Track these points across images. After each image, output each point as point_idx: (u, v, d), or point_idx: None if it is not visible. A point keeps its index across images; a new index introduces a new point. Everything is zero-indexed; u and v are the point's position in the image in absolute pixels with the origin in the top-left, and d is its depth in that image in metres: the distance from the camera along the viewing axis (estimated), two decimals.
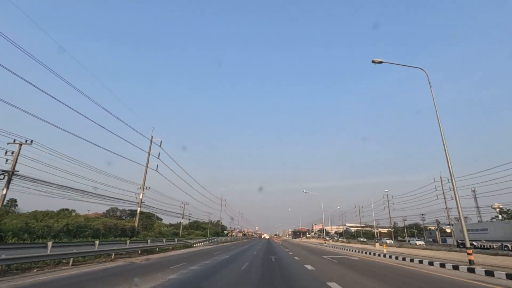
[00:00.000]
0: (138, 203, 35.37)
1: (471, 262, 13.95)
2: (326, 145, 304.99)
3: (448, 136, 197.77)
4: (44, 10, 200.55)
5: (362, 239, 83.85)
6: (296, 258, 21.49)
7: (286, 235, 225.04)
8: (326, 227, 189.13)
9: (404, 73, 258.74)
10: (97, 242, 18.63)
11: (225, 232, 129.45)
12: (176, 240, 37.28)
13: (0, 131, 17.89)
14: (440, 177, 54.50)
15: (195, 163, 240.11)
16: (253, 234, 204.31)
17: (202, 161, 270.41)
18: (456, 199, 16.09)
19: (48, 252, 14.29)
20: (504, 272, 11.05)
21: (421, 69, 17.73)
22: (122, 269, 13.76)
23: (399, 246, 38.65)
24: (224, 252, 26.78)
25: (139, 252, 23.81)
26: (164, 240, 33.94)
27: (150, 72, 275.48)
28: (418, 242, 48.13)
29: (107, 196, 32.68)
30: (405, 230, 77.61)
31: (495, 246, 33.58)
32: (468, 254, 14.34)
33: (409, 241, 58.51)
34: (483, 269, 12.22)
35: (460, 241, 38.38)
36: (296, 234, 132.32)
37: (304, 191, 73.93)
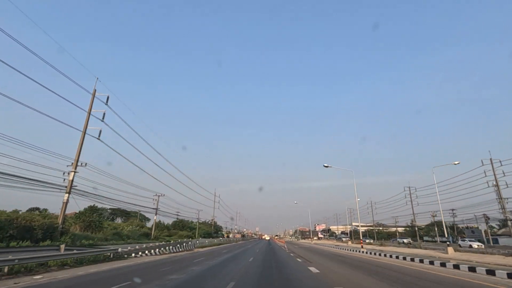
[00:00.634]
0: (66, 187, 22.50)
1: None
2: (326, 145, 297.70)
3: (447, 136, 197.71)
4: (44, 10, 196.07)
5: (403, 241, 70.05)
6: None
7: (287, 236, 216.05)
8: (331, 227, 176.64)
9: (405, 73, 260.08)
10: None
11: (221, 233, 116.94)
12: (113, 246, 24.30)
13: None
14: (491, 159, 41.56)
15: (195, 163, 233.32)
16: (253, 235, 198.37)
17: (202, 161, 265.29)
18: None
19: None
20: None
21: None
22: None
23: (457, 251, 25.95)
24: (167, 274, 11.96)
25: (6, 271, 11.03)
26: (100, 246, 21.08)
27: (150, 72, 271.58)
28: (474, 244, 35.10)
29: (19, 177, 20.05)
30: (436, 229, 64.47)
31: None
32: None
33: (457, 242, 43.91)
34: None
35: None
36: (305, 234, 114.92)
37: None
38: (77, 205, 29.65)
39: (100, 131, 24.30)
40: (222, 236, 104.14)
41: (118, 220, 69.45)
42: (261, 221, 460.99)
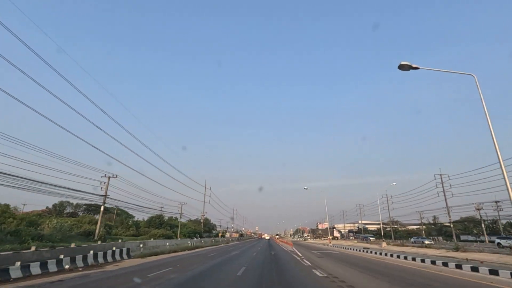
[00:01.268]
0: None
1: None
2: (326, 144, 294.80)
3: (447, 135, 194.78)
4: (43, 9, 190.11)
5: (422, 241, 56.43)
6: None
7: (287, 235, 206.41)
8: (337, 226, 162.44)
9: (405, 73, 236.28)
10: None
11: (215, 232, 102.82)
12: None
13: None
14: None
15: (195, 163, 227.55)
16: (252, 234, 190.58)
17: (202, 161, 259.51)
18: None
19: None
20: None
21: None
22: None
23: None
24: None
25: None
26: None
27: (150, 72, 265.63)
28: None
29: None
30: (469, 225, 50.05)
31: None
32: None
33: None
34: None
35: None
36: (316, 233, 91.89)
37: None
38: None
39: None
40: (217, 235, 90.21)
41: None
42: (261, 221, 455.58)
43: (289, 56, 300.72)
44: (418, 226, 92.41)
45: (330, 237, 57.02)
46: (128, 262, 17.14)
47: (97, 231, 26.88)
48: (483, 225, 49.99)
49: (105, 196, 27.89)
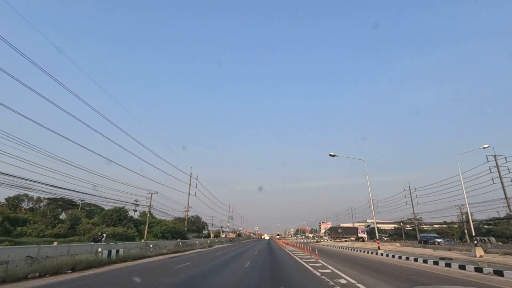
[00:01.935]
0: None
1: None
2: (326, 144, 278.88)
3: (445, 135, 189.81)
4: (43, 9, 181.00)
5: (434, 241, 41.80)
6: None
7: (288, 235, 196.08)
8: (343, 225, 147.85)
9: (404, 72, 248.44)
10: None
11: (207, 231, 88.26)
12: None
13: None
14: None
15: (195, 163, 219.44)
16: (252, 234, 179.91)
17: (202, 161, 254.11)
18: None
19: None
20: None
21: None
22: None
23: None
24: None
25: None
26: None
27: (149, 72, 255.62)
28: None
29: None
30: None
31: None
32: None
33: None
34: None
35: None
36: (335, 232, 68.25)
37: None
38: None
39: None
40: (207, 236, 75.74)
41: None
42: (261, 221, 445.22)
43: (289, 56, 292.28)
44: (441, 225, 78.40)
45: (352, 238, 43.16)
46: None
47: None
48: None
49: None
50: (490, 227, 58.11)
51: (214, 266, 14.53)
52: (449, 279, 10.00)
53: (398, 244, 36.84)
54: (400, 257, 18.66)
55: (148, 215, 37.95)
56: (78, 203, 52.60)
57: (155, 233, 39.73)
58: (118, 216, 36.16)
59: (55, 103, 18.76)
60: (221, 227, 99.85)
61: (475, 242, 20.87)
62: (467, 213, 62.62)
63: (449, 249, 27.56)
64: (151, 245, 26.54)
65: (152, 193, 39.31)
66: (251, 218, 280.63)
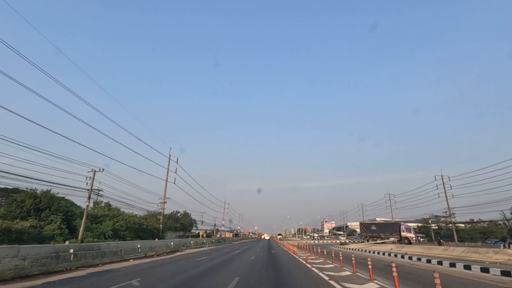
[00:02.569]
0: None
1: None
2: (326, 144, 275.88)
3: (445, 134, 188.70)
4: (43, 9, 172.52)
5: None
6: None
7: (289, 235, 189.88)
8: (350, 224, 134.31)
9: (403, 71, 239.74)
10: None
11: (195, 231, 74.63)
12: None
13: None
14: None
15: (195, 162, 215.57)
16: (251, 234, 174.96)
17: (202, 161, 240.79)
18: None
19: None
20: None
21: None
22: None
23: None
24: None
25: None
26: None
27: (148, 71, 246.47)
28: None
29: None
30: None
31: None
32: None
33: None
34: None
35: None
36: (370, 229, 47.10)
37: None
38: None
39: None
40: (196, 236, 62.30)
41: None
42: (261, 221, 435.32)
43: (288, 54, 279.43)
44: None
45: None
46: None
47: None
48: None
49: None
50: None
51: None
52: None
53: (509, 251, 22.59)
54: None
55: (87, 203, 24.45)
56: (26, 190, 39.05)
57: (101, 231, 26.30)
58: (36, 204, 22.75)
59: None
60: (214, 225, 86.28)
61: None
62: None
63: None
64: (71, 251, 13.55)
65: (95, 171, 25.68)
66: (251, 218, 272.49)
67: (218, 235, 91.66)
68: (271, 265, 14.22)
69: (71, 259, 14.52)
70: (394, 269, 7.53)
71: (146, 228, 37.39)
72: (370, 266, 9.83)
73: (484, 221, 56.47)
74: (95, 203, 38.05)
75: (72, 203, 30.68)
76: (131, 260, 18.36)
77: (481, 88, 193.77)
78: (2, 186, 24.66)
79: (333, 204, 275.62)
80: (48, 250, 13.98)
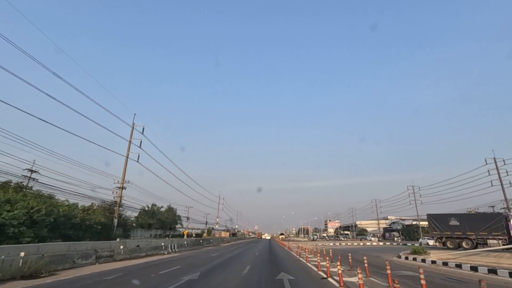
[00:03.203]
0: None
1: None
2: (326, 144, 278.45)
3: (444, 134, 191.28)
4: (43, 8, 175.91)
5: None
6: None
7: (291, 235, 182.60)
8: (360, 222, 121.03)
9: (404, 71, 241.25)
10: None
11: (179, 229, 61.59)
12: None
13: None
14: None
15: (195, 162, 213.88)
16: (250, 233, 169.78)
17: (202, 161, 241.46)
18: None
19: None
20: None
21: None
22: None
23: None
24: None
25: None
26: None
27: (148, 71, 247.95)
28: None
29: None
30: None
31: None
32: None
33: None
34: None
35: None
36: (447, 225, 28.48)
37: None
38: None
39: None
40: (178, 236, 49.60)
41: None
42: (261, 221, 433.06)
43: (288, 54, 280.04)
44: None
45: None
46: None
47: None
48: None
49: None
50: None
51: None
52: None
53: None
54: None
55: None
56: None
57: None
58: None
59: None
60: (206, 223, 73.35)
61: None
62: None
63: None
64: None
65: None
66: (251, 218, 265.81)
67: (211, 235, 78.67)
68: None
69: None
70: None
71: (90, 224, 24.65)
72: None
73: None
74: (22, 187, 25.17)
75: None
76: None
77: (481, 88, 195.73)
78: None
79: (333, 204, 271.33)
80: None
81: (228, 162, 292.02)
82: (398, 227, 76.75)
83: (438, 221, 26.88)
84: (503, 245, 20.38)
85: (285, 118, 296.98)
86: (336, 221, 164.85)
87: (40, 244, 14.43)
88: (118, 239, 22.58)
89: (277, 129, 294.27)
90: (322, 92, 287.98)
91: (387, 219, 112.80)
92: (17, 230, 16.62)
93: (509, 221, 21.65)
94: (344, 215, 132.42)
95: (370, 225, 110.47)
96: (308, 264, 14.98)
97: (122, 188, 29.71)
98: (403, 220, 78.22)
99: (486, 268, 11.70)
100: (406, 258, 17.72)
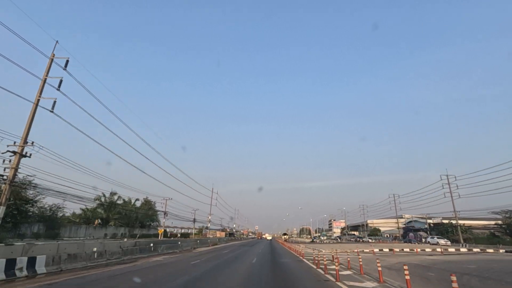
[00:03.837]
0: None
1: None
2: (326, 144, 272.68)
3: (444, 134, 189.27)
4: (43, 6, 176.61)
5: None
6: None
7: (293, 235, 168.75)
8: (372, 221, 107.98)
9: (404, 71, 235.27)
10: None
11: (155, 223, 48.21)
12: None
13: None
14: None
15: (195, 162, 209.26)
16: (250, 233, 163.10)
17: (202, 161, 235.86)
18: None
19: None
20: None
21: None
22: None
23: None
24: None
25: None
26: None
27: (147, 69, 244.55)
28: None
29: None
30: None
31: None
32: None
33: None
34: None
35: None
36: None
37: None
38: None
39: None
40: (152, 235, 36.91)
41: None
42: (261, 221, 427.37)
43: (288, 54, 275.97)
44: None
45: None
46: None
47: None
48: None
49: None
50: None
51: None
52: None
53: None
54: None
55: None
56: None
57: None
58: None
59: None
60: (194, 220, 60.65)
61: None
62: None
63: None
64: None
65: None
66: (251, 218, 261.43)
67: (202, 235, 66.08)
68: None
69: None
70: None
71: None
72: None
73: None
74: None
75: None
76: None
77: (481, 88, 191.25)
78: None
79: (333, 204, 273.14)
80: None
81: (228, 162, 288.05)
82: (425, 226, 63.79)
83: None
84: None
85: (284, 116, 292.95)
86: (341, 220, 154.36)
87: None
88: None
89: (276, 127, 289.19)
90: (322, 91, 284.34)
91: (402, 217, 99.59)
92: None
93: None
94: (351, 214, 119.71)
95: (384, 224, 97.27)
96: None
97: (22, 154, 17.11)
98: (429, 217, 65.06)
99: None
100: None
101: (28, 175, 20.44)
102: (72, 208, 31.57)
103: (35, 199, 23.04)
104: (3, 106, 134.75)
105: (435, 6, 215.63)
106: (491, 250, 29.56)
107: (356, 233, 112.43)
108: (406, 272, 7.21)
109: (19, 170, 17.07)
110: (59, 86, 18.56)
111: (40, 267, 10.52)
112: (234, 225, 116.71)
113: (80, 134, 20.88)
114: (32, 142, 17.59)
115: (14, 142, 17.09)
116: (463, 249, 31.20)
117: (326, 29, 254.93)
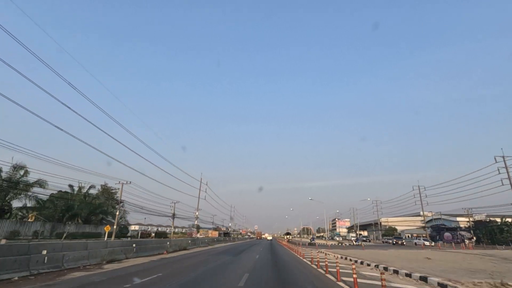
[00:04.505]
0: None
1: None
2: (326, 144, 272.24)
3: (444, 134, 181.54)
4: (43, 7, 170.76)
5: None
6: None
7: (294, 235, 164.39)
8: (385, 220, 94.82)
9: (404, 71, 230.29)
10: None
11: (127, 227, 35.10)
12: None
13: None
14: None
15: (195, 162, 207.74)
16: (249, 233, 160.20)
17: (202, 161, 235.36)
18: None
19: None
20: None
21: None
22: None
23: None
24: None
25: None
26: None
27: (148, 69, 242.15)
28: None
29: None
30: None
31: None
32: None
33: None
34: None
35: None
36: None
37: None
38: None
39: None
40: (98, 235, 24.25)
41: None
42: (261, 221, 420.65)
43: (288, 53, 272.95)
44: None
45: None
46: None
47: None
48: None
49: None
50: None
51: None
52: None
53: None
54: None
55: None
56: None
57: None
58: None
59: None
60: (173, 215, 47.80)
61: None
62: None
63: None
64: None
65: None
66: (251, 218, 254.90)
67: (187, 234, 53.35)
68: None
69: None
70: None
71: None
72: None
73: None
74: None
75: None
76: None
77: (481, 88, 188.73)
78: None
79: (333, 204, 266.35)
80: None
81: (228, 162, 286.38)
82: (455, 225, 50.92)
83: None
84: None
85: (284, 116, 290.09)
86: (346, 219, 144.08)
87: None
88: None
89: (276, 127, 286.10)
90: (321, 91, 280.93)
91: (419, 215, 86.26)
92: None
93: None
94: (369, 211, 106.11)
95: (400, 223, 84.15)
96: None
97: None
98: (471, 213, 51.97)
99: None
100: None
101: None
102: None
103: None
104: None
105: (435, 6, 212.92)
106: None
107: (363, 233, 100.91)
108: None
109: None
110: None
111: None
112: (230, 224, 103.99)
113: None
114: None
115: None
116: None
117: (326, 29, 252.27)
